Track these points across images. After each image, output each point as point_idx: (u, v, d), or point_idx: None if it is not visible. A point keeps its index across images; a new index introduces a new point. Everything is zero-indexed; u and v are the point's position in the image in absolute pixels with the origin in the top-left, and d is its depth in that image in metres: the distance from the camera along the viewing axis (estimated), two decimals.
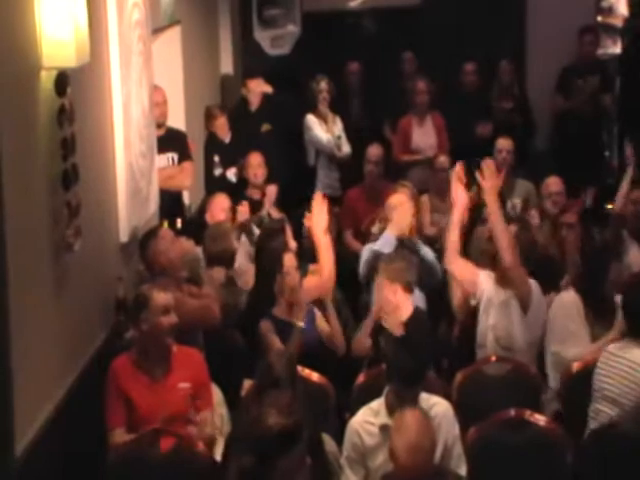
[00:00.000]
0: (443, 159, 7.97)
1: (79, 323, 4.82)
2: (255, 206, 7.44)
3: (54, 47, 4.25)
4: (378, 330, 5.52)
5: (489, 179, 5.60)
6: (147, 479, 4.46)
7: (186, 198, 7.50)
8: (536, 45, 10.21)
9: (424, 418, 4.14)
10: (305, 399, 4.40)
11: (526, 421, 4.73)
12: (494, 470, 4.68)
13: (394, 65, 9.86)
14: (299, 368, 4.91)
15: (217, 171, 8.21)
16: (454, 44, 9.93)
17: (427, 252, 6.32)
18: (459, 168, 5.81)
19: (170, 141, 6.94)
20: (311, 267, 6.08)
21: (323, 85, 8.73)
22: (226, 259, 6.18)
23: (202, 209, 7.35)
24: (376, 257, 6.27)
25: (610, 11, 10.69)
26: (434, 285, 6.29)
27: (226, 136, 8.36)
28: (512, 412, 4.77)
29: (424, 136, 8.80)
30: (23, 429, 4.03)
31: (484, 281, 5.61)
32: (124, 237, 5.59)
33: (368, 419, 4.57)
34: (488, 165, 5.63)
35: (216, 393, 4.99)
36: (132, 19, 5.73)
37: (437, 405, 4.58)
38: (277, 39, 10.20)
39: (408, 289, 5.61)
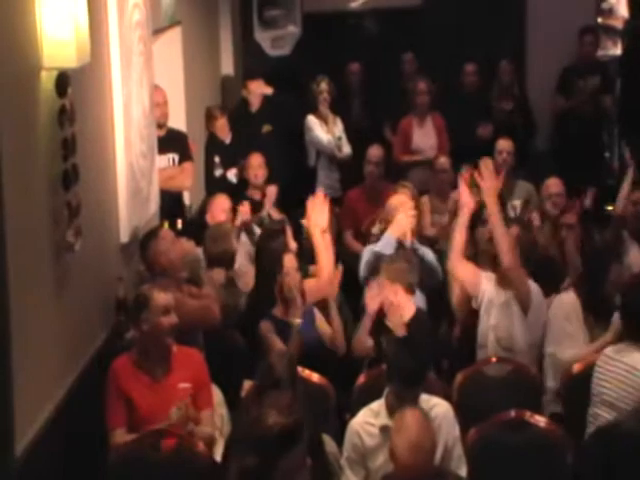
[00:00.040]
0: (443, 160, 7.97)
1: (79, 323, 4.82)
2: (255, 207, 7.44)
3: (55, 47, 4.25)
4: (379, 330, 5.52)
5: (487, 179, 5.60)
6: (147, 479, 4.46)
7: (186, 199, 7.50)
8: (536, 45, 10.21)
9: (424, 418, 4.15)
10: (305, 400, 4.40)
11: (526, 422, 4.73)
12: (494, 471, 4.68)
13: (395, 66, 9.86)
14: (299, 369, 4.91)
15: (217, 172, 8.21)
16: (454, 45, 9.93)
17: (427, 253, 6.32)
18: (466, 172, 5.78)
19: (171, 142, 6.95)
20: (311, 268, 6.08)
21: (323, 86, 8.73)
22: (226, 260, 6.18)
23: (202, 210, 7.35)
24: (377, 258, 6.27)
25: (610, 12, 10.69)
26: (434, 286, 6.29)
27: (226, 137, 8.36)
28: (512, 413, 4.77)
29: (424, 137, 8.80)
30: (23, 429, 4.03)
31: (485, 282, 5.61)
32: (124, 237, 5.59)
33: (368, 420, 4.57)
34: (486, 165, 5.63)
35: (216, 393, 4.99)
36: (133, 20, 5.73)
37: (437, 406, 4.58)
38: (278, 40, 10.20)
39: (409, 290, 5.61)
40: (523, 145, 8.60)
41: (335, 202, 7.55)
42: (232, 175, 8.20)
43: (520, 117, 9.29)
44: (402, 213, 6.33)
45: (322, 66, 9.19)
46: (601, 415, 4.81)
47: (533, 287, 5.59)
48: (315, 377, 5.21)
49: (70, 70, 4.44)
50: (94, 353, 5.00)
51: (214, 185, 8.04)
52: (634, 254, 6.38)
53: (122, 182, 5.54)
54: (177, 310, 4.75)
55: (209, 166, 8.22)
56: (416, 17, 10.29)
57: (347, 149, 8.74)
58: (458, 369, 5.38)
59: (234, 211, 7.00)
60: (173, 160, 7.01)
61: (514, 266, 5.47)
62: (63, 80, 4.44)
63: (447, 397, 4.90)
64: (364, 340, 5.67)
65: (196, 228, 6.84)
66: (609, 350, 4.92)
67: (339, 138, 8.70)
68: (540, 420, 4.76)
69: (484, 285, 5.60)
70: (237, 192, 7.63)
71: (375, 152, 7.91)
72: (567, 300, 5.57)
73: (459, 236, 5.73)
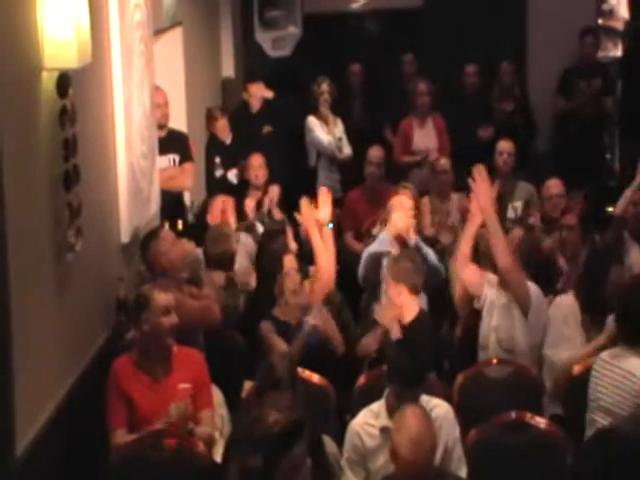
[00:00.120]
0: (444, 161, 7.97)
1: (80, 323, 4.82)
2: (256, 207, 7.46)
3: (56, 48, 4.25)
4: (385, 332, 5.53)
5: (480, 184, 5.58)
6: None
7: (187, 199, 7.50)
8: (537, 46, 10.21)
9: (425, 415, 4.14)
10: (305, 400, 4.40)
11: (527, 423, 4.73)
12: (494, 472, 4.68)
13: (395, 67, 9.86)
14: (299, 369, 4.91)
15: (218, 172, 8.21)
16: (455, 45, 9.93)
17: (429, 252, 6.31)
18: (480, 185, 5.64)
19: (171, 142, 6.95)
20: (311, 269, 6.08)
21: (324, 87, 8.74)
22: (226, 261, 6.18)
23: (203, 210, 7.36)
24: (374, 258, 6.29)
25: (611, 14, 10.68)
26: (436, 286, 6.29)
27: (227, 137, 8.37)
28: (513, 414, 4.77)
29: (425, 138, 8.80)
30: (24, 429, 4.03)
31: (487, 284, 5.60)
32: (125, 238, 5.59)
33: (369, 421, 4.57)
34: (480, 172, 5.61)
35: (216, 394, 4.99)
36: (134, 20, 5.73)
37: (438, 407, 4.58)
38: (278, 41, 10.20)
39: (414, 291, 5.60)
40: (524, 146, 8.60)
41: (335, 203, 7.55)
42: (233, 176, 8.20)
43: (521, 118, 9.29)
44: (397, 212, 6.34)
45: (323, 67, 9.19)
46: (597, 421, 4.76)
47: (533, 289, 5.58)
48: (315, 378, 5.21)
49: (71, 71, 4.45)
50: (95, 353, 5.00)
51: (215, 186, 8.05)
52: (635, 255, 6.37)
53: (123, 183, 5.54)
54: (177, 310, 4.76)
55: (210, 167, 8.22)
56: (417, 18, 10.29)
57: (347, 150, 8.75)
58: (459, 370, 5.38)
59: (236, 211, 7.02)
60: (174, 161, 7.02)
61: (511, 268, 5.46)
62: (64, 81, 4.44)
63: (448, 398, 4.90)
64: (372, 343, 5.66)
65: (197, 229, 6.85)
66: (605, 355, 4.86)
67: (339, 139, 8.71)
68: (540, 422, 4.76)
69: (486, 287, 5.60)
70: (237, 192, 7.64)
71: (376, 153, 7.92)
72: (566, 302, 5.56)
73: (465, 244, 5.72)
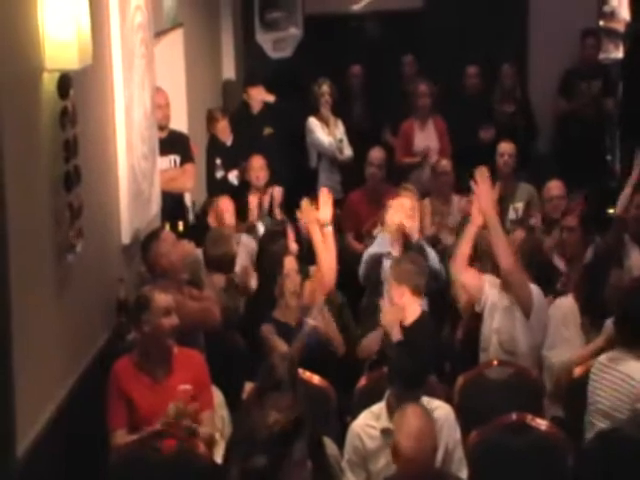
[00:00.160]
0: (445, 163, 7.97)
1: (81, 324, 4.82)
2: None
3: (57, 49, 4.25)
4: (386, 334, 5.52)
5: (482, 185, 5.57)
6: None
7: (188, 200, 7.50)
8: (538, 48, 10.20)
9: (425, 412, 4.14)
10: (306, 402, 4.40)
11: (527, 425, 4.73)
12: (495, 474, 4.68)
13: (396, 68, 9.86)
14: (300, 371, 4.91)
15: (219, 174, 8.21)
16: (456, 47, 9.93)
17: (431, 254, 6.30)
18: (481, 187, 5.63)
19: (172, 143, 6.95)
20: (312, 269, 6.08)
21: (325, 88, 8.74)
22: (226, 263, 6.18)
23: (204, 212, 7.36)
24: (374, 259, 6.29)
25: (612, 15, 10.69)
26: (437, 288, 6.28)
27: (228, 139, 8.37)
28: (514, 416, 4.76)
29: (426, 140, 8.79)
30: (24, 430, 4.03)
31: (488, 286, 5.60)
32: (126, 239, 5.59)
33: (369, 422, 4.57)
34: (482, 174, 5.60)
35: (217, 395, 4.99)
36: (135, 22, 5.73)
37: (438, 409, 4.58)
38: (279, 42, 10.20)
39: (416, 292, 5.59)
40: (525, 148, 8.60)
41: (336, 204, 7.55)
42: (233, 177, 8.20)
43: (522, 120, 9.29)
44: (392, 210, 6.34)
45: (323, 68, 9.18)
46: (596, 424, 4.76)
47: (535, 290, 5.58)
48: (316, 379, 5.21)
49: (72, 72, 4.45)
50: (95, 354, 5.00)
51: (215, 187, 8.05)
52: (635, 258, 6.37)
53: (124, 184, 5.54)
54: (178, 311, 4.76)
55: (210, 168, 8.22)
56: (418, 20, 10.30)
57: (348, 151, 8.75)
58: (461, 372, 5.38)
59: (237, 212, 7.03)
60: (174, 162, 7.02)
61: (514, 270, 5.46)
62: (65, 82, 4.44)
63: (449, 400, 4.90)
64: (373, 344, 5.66)
65: (197, 230, 6.85)
66: (603, 358, 4.85)
67: (340, 140, 8.71)
68: (541, 423, 4.76)
69: (487, 289, 5.59)
70: (238, 194, 7.64)
71: (376, 154, 7.91)
72: (565, 304, 5.56)
73: (465, 247, 5.72)
